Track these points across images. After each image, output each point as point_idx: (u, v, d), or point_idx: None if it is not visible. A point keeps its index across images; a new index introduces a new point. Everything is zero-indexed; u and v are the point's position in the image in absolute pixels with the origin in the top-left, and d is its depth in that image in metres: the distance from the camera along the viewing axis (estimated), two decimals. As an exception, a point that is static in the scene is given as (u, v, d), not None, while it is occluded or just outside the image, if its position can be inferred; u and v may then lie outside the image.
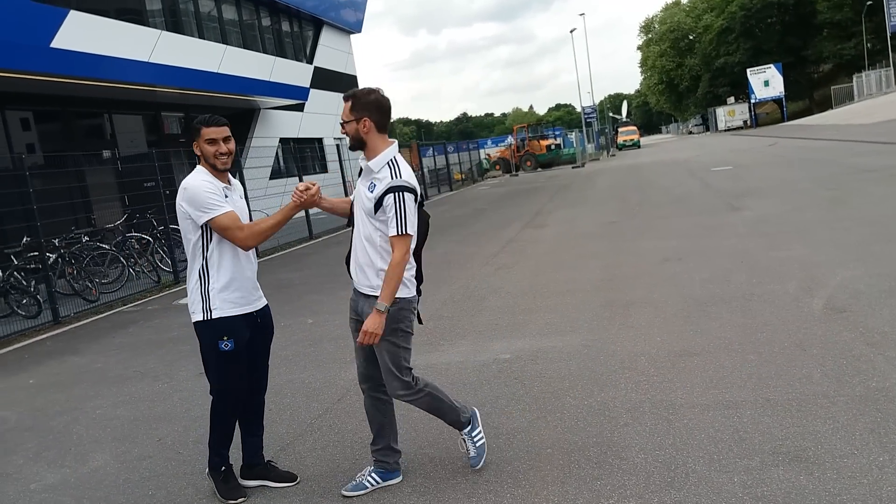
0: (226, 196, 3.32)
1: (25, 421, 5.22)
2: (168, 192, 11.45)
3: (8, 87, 13.19)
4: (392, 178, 3.06)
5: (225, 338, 3.28)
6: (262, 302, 3.52)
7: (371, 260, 3.14)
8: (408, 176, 3.12)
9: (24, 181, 9.05)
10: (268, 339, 3.59)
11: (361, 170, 3.22)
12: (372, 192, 3.07)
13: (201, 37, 19.64)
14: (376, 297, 3.08)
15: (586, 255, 8.94)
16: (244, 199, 3.57)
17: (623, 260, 8.24)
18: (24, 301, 9.36)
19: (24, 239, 9.98)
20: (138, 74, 15.54)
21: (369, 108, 3.10)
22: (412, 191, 3.08)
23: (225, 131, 3.33)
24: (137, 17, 16.92)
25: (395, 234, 3.04)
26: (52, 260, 9.96)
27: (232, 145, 3.35)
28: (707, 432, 3.43)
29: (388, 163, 3.10)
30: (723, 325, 5.16)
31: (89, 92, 14.48)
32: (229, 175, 3.45)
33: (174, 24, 18.70)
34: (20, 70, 12.17)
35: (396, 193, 3.03)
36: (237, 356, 3.33)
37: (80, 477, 4.02)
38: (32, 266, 9.84)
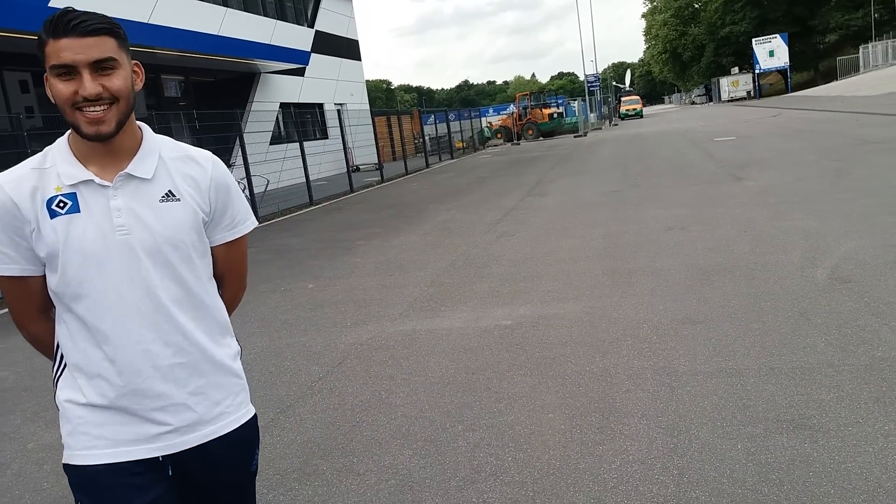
0: (81, 206, 1.52)
1: (24, 381, 5.21)
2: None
3: (6, 47, 13.00)
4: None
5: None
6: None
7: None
8: None
9: (23, 142, 8.94)
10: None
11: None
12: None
13: (201, -2, 19.32)
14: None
15: (588, 223, 8.89)
16: (210, 192, 1.63)
17: (625, 229, 8.19)
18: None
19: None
20: (137, 36, 15.25)
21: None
22: None
23: (100, 45, 1.42)
24: (136, -24, 16.60)
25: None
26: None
27: (118, 81, 1.46)
28: (710, 399, 3.42)
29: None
30: (726, 294, 5.13)
31: (87, 53, 14.25)
32: (154, 147, 1.59)
33: (173, -16, 18.38)
34: (18, 29, 11.96)
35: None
36: None
37: (81, 437, 4.01)
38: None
